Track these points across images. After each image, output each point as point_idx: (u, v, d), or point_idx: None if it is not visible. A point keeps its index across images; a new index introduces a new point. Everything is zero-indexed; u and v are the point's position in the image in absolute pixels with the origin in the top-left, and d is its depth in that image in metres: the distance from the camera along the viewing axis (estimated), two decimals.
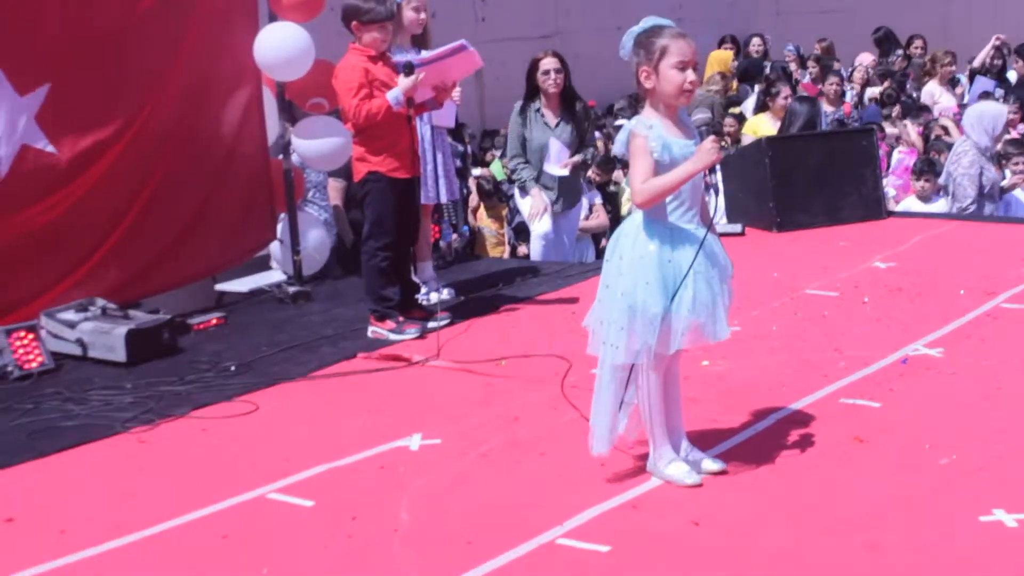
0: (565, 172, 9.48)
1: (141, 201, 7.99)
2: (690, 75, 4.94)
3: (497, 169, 12.24)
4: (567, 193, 9.64)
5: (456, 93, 8.21)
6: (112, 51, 7.73)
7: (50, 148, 7.41)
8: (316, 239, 9.11)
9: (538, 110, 9.43)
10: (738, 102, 15.02)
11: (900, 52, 17.46)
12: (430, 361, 6.94)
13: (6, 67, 7.18)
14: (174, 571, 4.54)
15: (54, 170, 7.46)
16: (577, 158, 9.55)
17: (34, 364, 6.99)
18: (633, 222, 5.07)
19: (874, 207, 10.38)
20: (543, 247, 9.90)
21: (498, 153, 12.77)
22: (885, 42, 17.81)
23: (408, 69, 7.38)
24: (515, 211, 11.25)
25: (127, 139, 7.83)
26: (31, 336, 7.05)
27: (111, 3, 7.75)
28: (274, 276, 9.04)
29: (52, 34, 7.39)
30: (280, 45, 8.43)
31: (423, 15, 8.23)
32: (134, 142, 7.87)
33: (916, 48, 17.35)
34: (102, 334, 7.16)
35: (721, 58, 16.69)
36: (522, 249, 10.94)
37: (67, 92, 7.47)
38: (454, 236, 10.35)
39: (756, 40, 17.34)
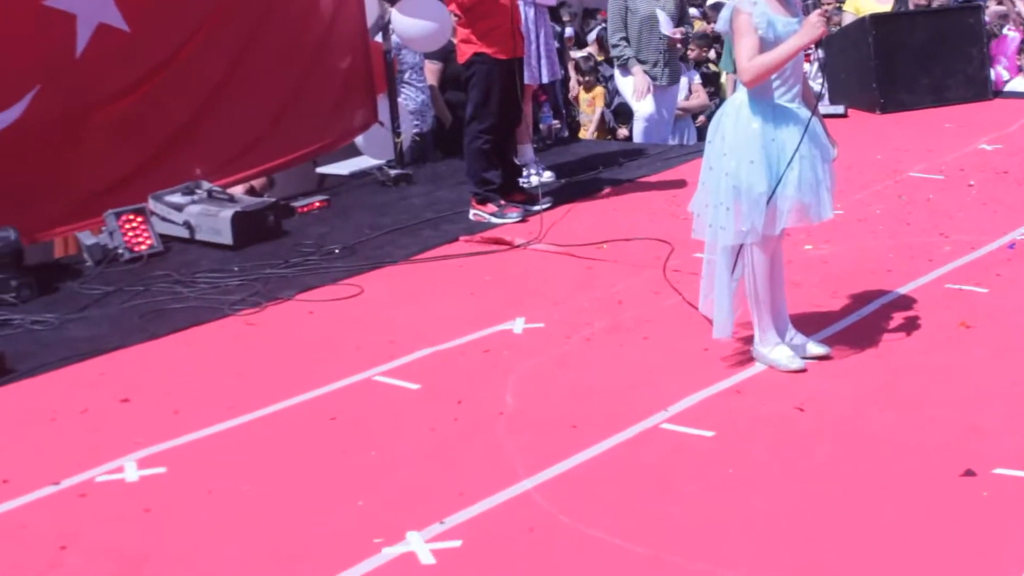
0: (679, 35, 9.42)
1: (234, 80, 8.03)
2: None
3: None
4: (669, 69, 9.57)
5: None
6: None
7: (125, 27, 7.37)
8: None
9: None
10: None
11: None
12: (532, 244, 6.95)
13: None
14: (285, 451, 4.64)
15: (134, 49, 7.45)
16: (682, 29, 9.47)
17: (143, 247, 7.11)
18: (734, 102, 5.03)
19: (980, 87, 10.18)
20: (645, 128, 9.85)
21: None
22: None
23: None
24: (615, 92, 11.19)
25: (213, 20, 7.85)
26: (140, 219, 7.16)
27: None
28: (375, 159, 9.07)
29: None
30: None
31: None
32: (222, 22, 7.89)
33: None
34: (209, 217, 7.25)
35: None
36: (622, 131, 10.90)
37: None
38: (554, 121, 10.29)
39: None
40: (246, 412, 4.98)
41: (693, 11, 12.67)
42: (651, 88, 9.38)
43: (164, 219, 7.34)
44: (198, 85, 7.82)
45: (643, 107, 9.71)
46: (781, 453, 4.41)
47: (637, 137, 9.93)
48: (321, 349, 5.64)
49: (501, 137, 7.53)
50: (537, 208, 7.48)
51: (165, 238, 7.27)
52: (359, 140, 9.02)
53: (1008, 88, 10.88)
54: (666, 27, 9.32)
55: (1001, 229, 6.77)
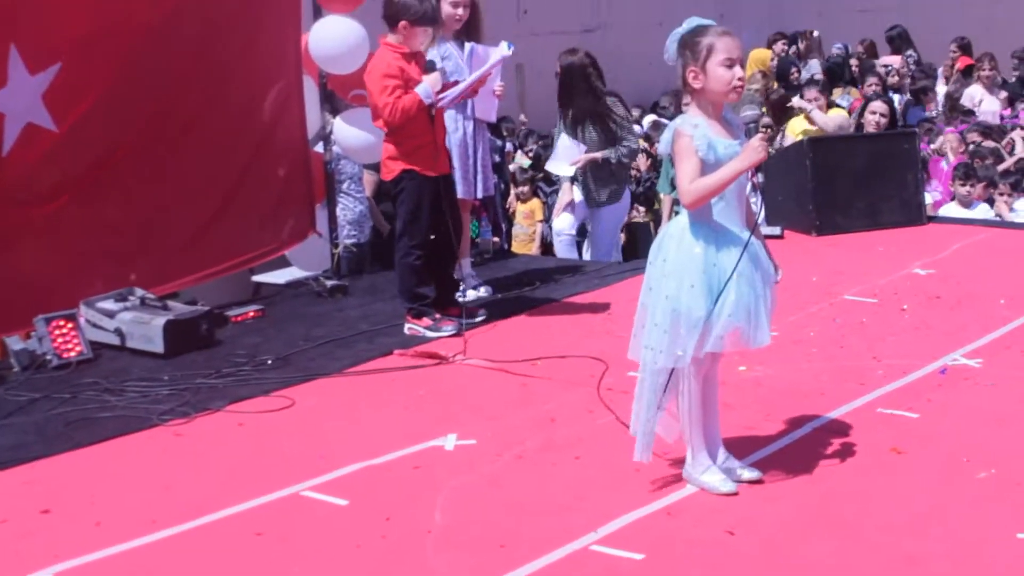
0: (568, 172, 9.57)
1: (168, 185, 7.99)
2: (738, 71, 4.93)
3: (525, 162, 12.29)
4: (601, 189, 9.67)
5: (498, 86, 8.20)
6: (137, 35, 7.70)
7: (54, 128, 7.32)
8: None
9: None
10: None
11: (912, 53, 17.32)
12: (465, 359, 6.92)
13: (19, 43, 7.13)
14: (208, 567, 4.55)
15: (63, 150, 7.41)
16: (596, 155, 9.55)
17: (73, 353, 7.01)
18: (678, 223, 5.05)
19: (915, 212, 10.30)
20: (561, 243, 9.99)
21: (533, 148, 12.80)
22: (898, 40, 17.67)
23: (431, 66, 7.41)
24: (552, 208, 11.28)
25: (146, 123, 7.82)
26: (70, 325, 7.08)
27: None
28: (310, 270, 9.04)
29: (72, 14, 7.35)
30: (338, 38, 8.44)
31: (460, 11, 8.13)
32: (156, 126, 7.87)
33: (953, 51, 17.20)
34: (140, 324, 7.19)
35: (760, 57, 16.63)
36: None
37: (81, 73, 7.42)
38: (494, 238, 10.34)
39: (802, 37, 17.27)
40: (170, 526, 4.88)
41: (637, 128, 12.82)
42: (571, 204, 9.56)
43: (95, 325, 7.26)
44: (130, 189, 7.77)
45: (558, 223, 9.91)
46: None
47: (557, 252, 10.08)
48: (249, 462, 5.56)
49: (433, 252, 7.51)
50: (470, 322, 7.46)
51: (96, 345, 7.19)
52: (288, 252, 8.97)
53: (942, 213, 11.01)
54: (561, 158, 9.51)
55: (933, 354, 6.81)
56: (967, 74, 16.01)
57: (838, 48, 17.23)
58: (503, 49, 7.50)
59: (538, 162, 11.83)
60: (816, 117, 11.88)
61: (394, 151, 7.40)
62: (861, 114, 11.77)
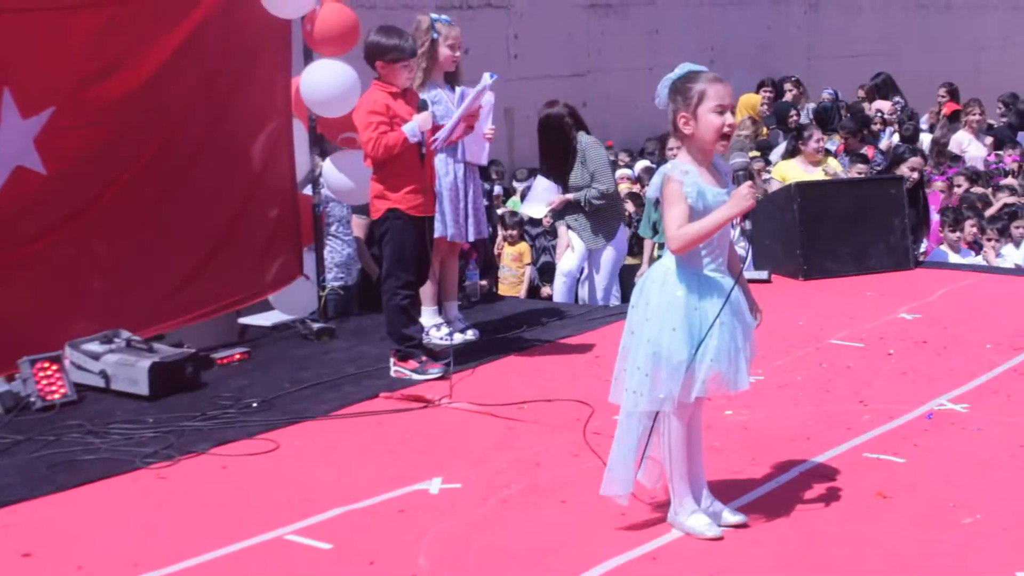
0: (540, 213, 9.65)
1: (158, 227, 7.97)
2: (728, 118, 4.95)
3: (515, 206, 12.30)
4: (596, 231, 9.74)
5: (488, 130, 8.23)
6: (131, 81, 7.72)
7: (43, 170, 7.30)
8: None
9: None
10: (769, 147, 14.98)
11: (900, 99, 17.41)
12: (451, 402, 6.91)
13: (13, 87, 7.15)
14: None
15: (52, 192, 7.38)
16: (567, 196, 9.63)
17: (57, 395, 6.97)
18: (661, 267, 5.06)
19: (902, 257, 10.32)
20: (563, 285, 10.00)
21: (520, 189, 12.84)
22: (883, 88, 17.77)
23: (423, 105, 7.44)
24: (541, 250, 11.29)
25: (137, 167, 7.81)
26: (55, 367, 7.05)
27: (140, 32, 7.76)
28: (296, 313, 9.01)
29: (67, 59, 7.37)
30: (329, 82, 8.46)
31: (458, 53, 8.25)
32: (146, 169, 7.85)
33: (941, 96, 17.29)
34: (126, 367, 7.16)
35: (750, 102, 16.69)
36: (545, 290, 10.97)
37: (74, 118, 7.43)
38: (482, 281, 10.33)
39: (788, 84, 17.33)
40: (152, 569, 4.86)
41: (627, 172, 12.86)
42: (570, 246, 9.60)
43: (80, 367, 7.23)
44: (118, 231, 7.75)
45: (563, 264, 9.93)
46: None
47: (557, 295, 10.10)
48: (233, 505, 5.53)
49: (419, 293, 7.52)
50: (447, 362, 7.48)
51: (80, 387, 7.15)
52: (272, 297, 8.94)
53: (931, 258, 11.04)
54: (536, 200, 9.60)
55: (919, 399, 6.82)
56: (953, 119, 16.08)
57: (828, 93, 17.30)
58: (486, 79, 7.51)
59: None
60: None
61: (381, 189, 7.40)
62: (897, 166, 11.36)
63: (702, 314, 4.91)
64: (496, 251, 11.52)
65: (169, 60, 7.92)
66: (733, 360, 4.97)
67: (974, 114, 15.37)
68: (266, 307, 9.11)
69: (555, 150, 9.82)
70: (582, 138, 9.80)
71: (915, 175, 10.94)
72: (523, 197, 11.60)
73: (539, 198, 9.75)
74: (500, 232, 11.69)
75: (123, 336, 7.46)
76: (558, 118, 9.78)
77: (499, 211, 12.13)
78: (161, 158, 7.97)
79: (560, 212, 9.92)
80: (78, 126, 7.47)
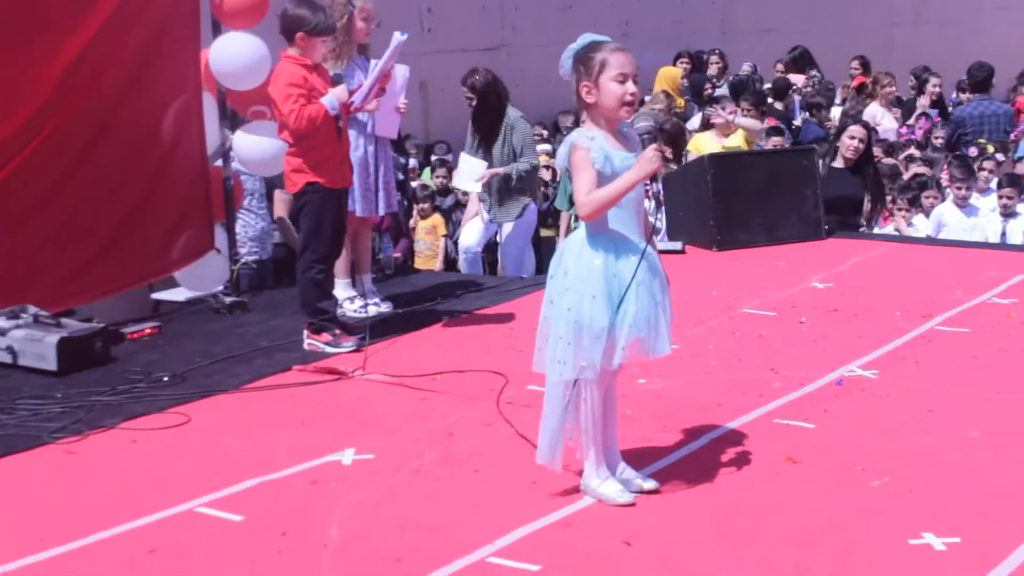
0: (475, 187, 9.66)
1: (64, 203, 7.86)
2: (630, 87, 4.96)
3: (429, 181, 12.28)
4: (506, 205, 9.77)
5: (402, 103, 8.22)
6: (29, 57, 7.59)
7: None
8: None
9: None
10: (685, 119, 15.03)
11: (816, 72, 17.55)
12: (365, 374, 6.89)
13: None
14: None
15: None
16: (499, 170, 9.66)
17: None
18: (577, 237, 5.07)
19: (813, 227, 10.40)
20: (464, 260, 10.03)
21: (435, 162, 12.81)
22: (800, 61, 17.89)
23: (337, 79, 7.40)
24: (457, 223, 11.29)
25: (38, 142, 7.68)
26: None
27: (47, 8, 7.64)
28: (206, 289, 8.92)
29: None
30: (239, 54, 8.38)
31: (372, 25, 8.23)
32: (49, 145, 7.72)
33: (854, 68, 17.44)
34: (33, 342, 7.06)
35: (669, 75, 16.73)
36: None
37: None
38: (396, 253, 10.30)
39: (714, 57, 17.39)
40: (60, 544, 4.80)
41: (546, 147, 12.87)
42: (480, 218, 9.64)
43: None
44: (21, 208, 7.64)
45: (464, 239, 9.96)
46: None
47: (462, 269, 10.11)
48: (143, 479, 5.48)
49: (334, 266, 7.47)
50: (361, 336, 7.46)
51: None
52: (179, 273, 8.84)
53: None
54: (464, 176, 9.61)
55: (830, 365, 6.88)
56: (860, 91, 16.23)
57: (748, 66, 17.39)
58: (397, 37, 7.44)
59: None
60: (743, 123, 11.97)
61: (299, 163, 7.34)
62: (837, 136, 11.31)
63: (620, 280, 4.92)
64: (411, 225, 11.50)
65: (75, 35, 7.79)
66: (653, 324, 4.98)
67: (889, 86, 15.52)
68: (178, 282, 9.02)
69: (489, 117, 9.84)
70: (510, 112, 9.82)
71: (855, 143, 10.76)
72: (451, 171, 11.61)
73: (467, 173, 9.74)
74: (414, 206, 11.67)
75: (30, 311, 7.36)
76: (493, 84, 9.85)
77: (413, 184, 12.11)
78: (66, 134, 7.83)
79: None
80: None
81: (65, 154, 7.84)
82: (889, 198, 11.29)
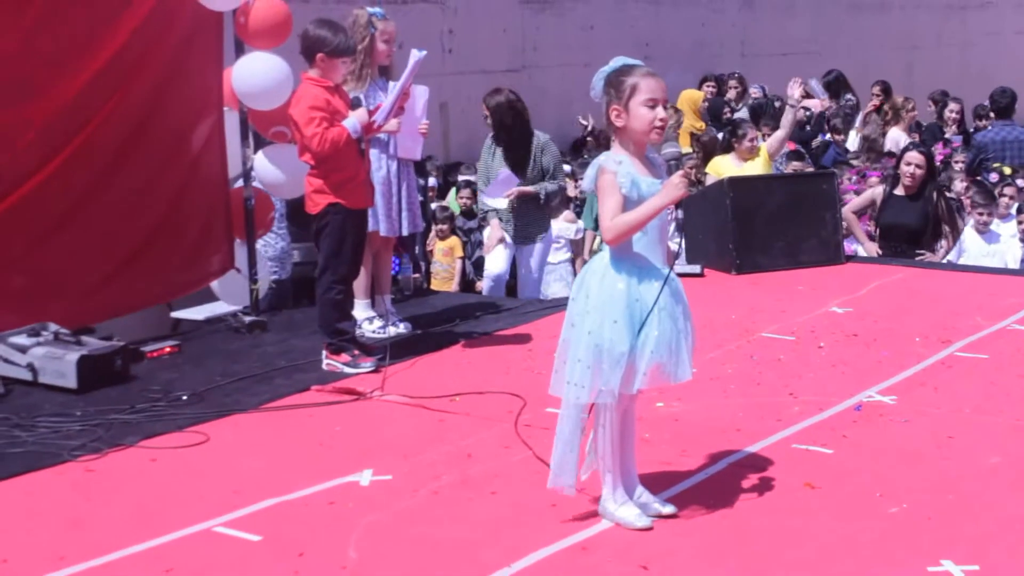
0: (502, 204, 9.63)
1: (84, 222, 7.89)
2: (660, 112, 4.96)
3: (453, 203, 12.27)
4: (526, 227, 9.77)
5: (423, 125, 8.25)
6: (56, 73, 7.64)
7: None
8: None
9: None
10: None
11: (851, 96, 17.53)
12: (383, 395, 6.89)
13: None
14: None
15: None
16: (528, 189, 9.64)
17: None
18: (601, 260, 5.07)
19: (833, 251, 10.40)
20: (490, 286, 10.02)
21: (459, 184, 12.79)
22: (835, 85, 17.86)
23: (356, 103, 7.44)
24: (476, 245, 11.29)
25: (62, 158, 7.73)
26: None
27: (73, 24, 7.68)
28: (231, 305, 8.96)
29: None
30: (261, 74, 8.42)
31: (393, 47, 8.27)
32: (74, 161, 7.77)
33: (875, 94, 17.41)
34: (53, 359, 7.09)
35: (691, 98, 16.76)
36: (479, 284, 10.97)
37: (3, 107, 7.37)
38: (415, 274, 10.30)
39: (732, 81, 17.40)
40: (78, 562, 4.81)
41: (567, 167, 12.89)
42: (504, 242, 9.60)
43: (7, 361, 7.16)
44: (42, 224, 7.67)
45: (491, 265, 9.93)
46: None
47: (485, 292, 10.08)
48: (161, 498, 5.49)
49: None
50: (380, 356, 7.47)
51: (7, 380, 7.08)
52: (215, 285, 8.91)
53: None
54: (496, 191, 9.57)
55: (849, 391, 6.87)
56: (877, 114, 16.22)
57: (755, 89, 17.39)
58: (415, 54, 7.46)
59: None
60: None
61: (320, 184, 7.35)
62: (897, 165, 10.95)
63: (643, 305, 4.92)
64: (428, 247, 11.50)
65: (100, 52, 7.84)
66: (674, 351, 4.98)
67: (912, 111, 15.51)
68: (198, 301, 9.06)
69: (514, 137, 9.83)
70: (538, 134, 9.85)
71: (911, 170, 10.53)
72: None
73: (500, 189, 9.70)
74: (433, 227, 11.67)
75: (51, 329, 7.39)
76: (513, 104, 9.84)
77: (432, 206, 12.11)
78: (90, 150, 7.88)
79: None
80: (4, 118, 7.37)
81: (87, 172, 7.89)
82: None
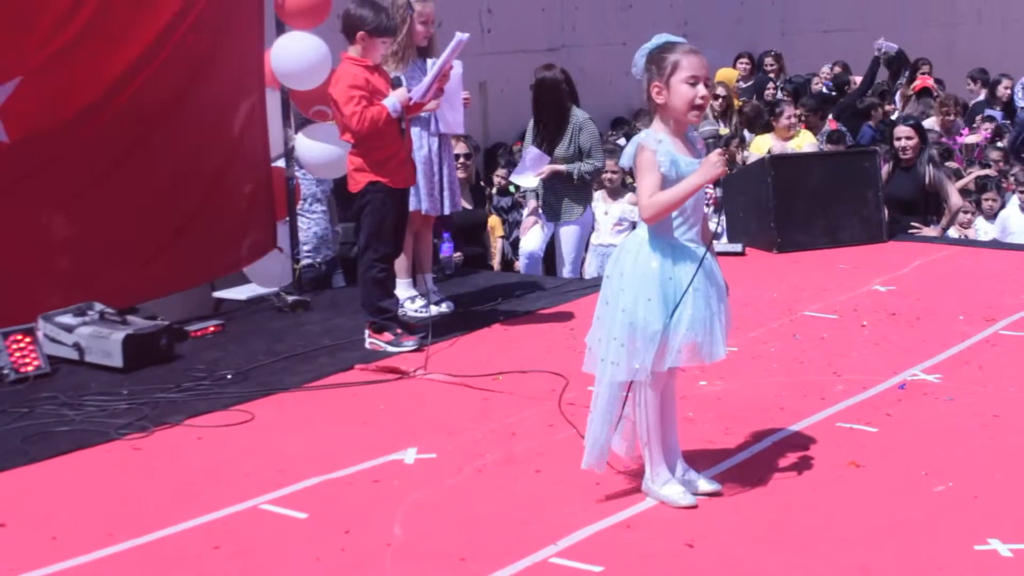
0: (532, 183, 9.61)
1: (128, 201, 7.91)
2: (701, 90, 4.96)
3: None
4: (560, 205, 9.74)
5: (465, 94, 8.27)
6: (99, 50, 7.64)
7: (5, 138, 7.23)
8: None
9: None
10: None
11: (908, 73, 17.39)
12: (426, 374, 6.92)
13: None
14: None
15: (13, 162, 7.32)
16: (560, 167, 9.60)
17: (30, 368, 6.95)
18: (635, 238, 5.08)
19: (875, 230, 10.36)
20: (526, 265, 10.01)
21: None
22: (895, 62, 17.69)
23: (397, 82, 7.45)
24: (514, 225, 11.29)
25: (104, 141, 7.74)
26: (28, 339, 7.02)
27: (112, 5, 7.71)
28: (264, 288, 8.98)
29: (34, 30, 7.32)
30: (300, 54, 8.44)
31: (431, 28, 8.27)
32: (115, 144, 7.79)
33: (923, 73, 17.28)
34: (99, 339, 7.14)
35: (727, 76, 16.68)
36: (517, 264, 10.98)
37: (42, 88, 7.36)
38: (456, 253, 10.29)
39: (769, 59, 17.29)
40: (127, 539, 4.86)
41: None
42: (538, 223, 9.61)
43: (53, 340, 7.21)
44: (87, 202, 7.71)
45: (526, 243, 9.94)
46: None
47: (522, 272, 10.09)
48: (207, 476, 5.54)
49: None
50: (423, 335, 7.49)
51: (54, 359, 7.13)
52: (247, 268, 8.91)
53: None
54: (528, 170, 9.55)
55: (892, 369, 6.85)
56: (921, 95, 16.08)
57: (826, 69, 17.31)
58: (458, 36, 7.46)
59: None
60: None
61: (361, 163, 7.37)
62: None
63: (677, 284, 4.93)
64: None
65: (140, 34, 7.86)
66: (708, 329, 4.98)
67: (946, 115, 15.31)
68: (241, 280, 9.09)
69: (549, 115, 9.78)
70: (576, 112, 9.80)
71: (901, 144, 10.89)
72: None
73: (530, 167, 9.68)
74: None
75: (96, 308, 7.44)
76: (554, 82, 9.77)
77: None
78: (133, 131, 7.91)
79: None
80: (45, 97, 7.40)
81: (130, 154, 7.90)
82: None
